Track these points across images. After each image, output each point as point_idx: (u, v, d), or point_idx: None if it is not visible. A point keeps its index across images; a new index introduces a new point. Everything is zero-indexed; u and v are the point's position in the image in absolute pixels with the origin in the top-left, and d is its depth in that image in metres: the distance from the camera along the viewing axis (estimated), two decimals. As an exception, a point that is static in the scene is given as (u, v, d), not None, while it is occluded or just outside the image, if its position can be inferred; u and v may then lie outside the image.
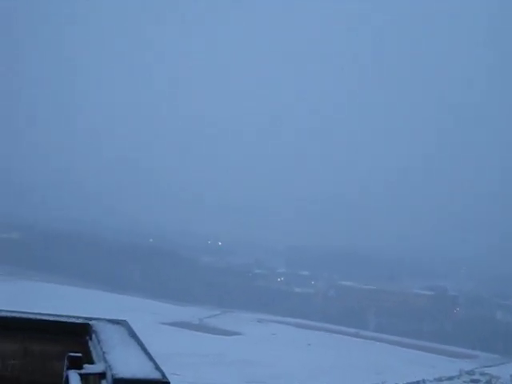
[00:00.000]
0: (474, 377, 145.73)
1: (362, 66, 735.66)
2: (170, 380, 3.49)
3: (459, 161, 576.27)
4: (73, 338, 5.26)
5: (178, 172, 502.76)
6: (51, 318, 5.45)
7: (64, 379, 3.93)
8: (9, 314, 5.42)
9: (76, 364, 3.89)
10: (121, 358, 3.77)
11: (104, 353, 3.96)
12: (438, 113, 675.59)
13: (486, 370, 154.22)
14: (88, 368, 3.87)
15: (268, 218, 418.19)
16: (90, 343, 4.94)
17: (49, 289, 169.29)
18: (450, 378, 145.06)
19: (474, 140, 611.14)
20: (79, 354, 4.00)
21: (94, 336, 4.86)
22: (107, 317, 5.66)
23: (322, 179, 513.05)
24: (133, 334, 4.78)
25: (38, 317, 5.44)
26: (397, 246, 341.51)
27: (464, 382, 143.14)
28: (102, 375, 3.70)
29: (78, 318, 5.53)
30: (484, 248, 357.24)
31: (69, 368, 3.86)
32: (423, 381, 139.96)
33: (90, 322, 5.27)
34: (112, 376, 3.40)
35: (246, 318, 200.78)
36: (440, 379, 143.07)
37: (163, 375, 3.54)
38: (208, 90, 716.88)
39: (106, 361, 3.76)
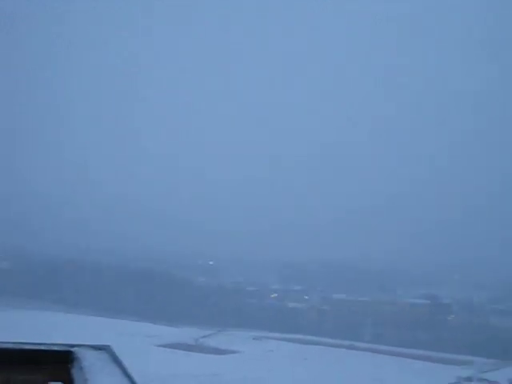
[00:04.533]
0: (472, 383, 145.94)
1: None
2: None
3: (453, 173, 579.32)
4: (55, 366, 5.14)
5: (161, 197, 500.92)
6: (33, 347, 5.36)
7: None
8: None
9: None
10: None
11: (86, 380, 3.92)
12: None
13: (484, 376, 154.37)
14: None
15: (259, 234, 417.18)
16: (72, 371, 4.84)
17: (41, 316, 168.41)
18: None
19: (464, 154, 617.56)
20: (59, 383, 4.04)
21: (76, 363, 4.81)
22: (103, 342, 5.61)
23: (312, 192, 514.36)
24: (116, 360, 4.72)
25: (20, 346, 5.33)
26: (389, 256, 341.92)
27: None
28: None
29: (61, 345, 5.44)
30: (475, 254, 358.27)
31: None
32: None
33: (73, 349, 5.22)
34: None
35: (241, 336, 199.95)
36: None
37: None
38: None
39: None
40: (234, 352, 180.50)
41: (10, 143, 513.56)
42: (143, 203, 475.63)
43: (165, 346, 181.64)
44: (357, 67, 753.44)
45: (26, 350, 5.36)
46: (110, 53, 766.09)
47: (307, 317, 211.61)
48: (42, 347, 5.41)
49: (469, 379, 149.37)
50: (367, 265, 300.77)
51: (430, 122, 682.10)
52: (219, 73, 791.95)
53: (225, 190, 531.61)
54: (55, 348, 5.41)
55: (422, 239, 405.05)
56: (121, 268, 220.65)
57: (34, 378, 5.17)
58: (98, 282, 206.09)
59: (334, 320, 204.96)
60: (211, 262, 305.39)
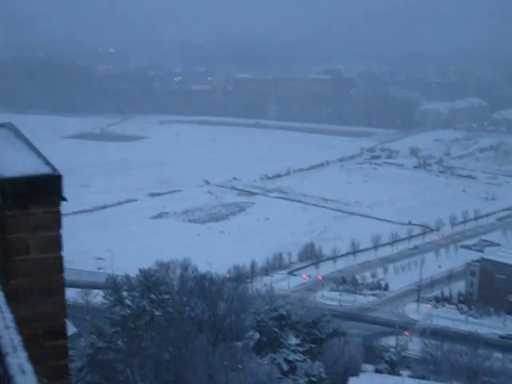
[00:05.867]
0: (375, 153, 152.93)
1: None
2: (60, 173, 3.30)
3: None
4: None
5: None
6: None
7: None
8: None
9: None
10: (7, 158, 3.56)
11: None
12: None
13: (386, 146, 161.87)
14: None
15: (156, 15, 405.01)
16: None
17: None
18: (352, 157, 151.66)
19: None
20: None
21: None
22: None
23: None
24: (19, 135, 4.35)
25: None
26: (290, 33, 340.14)
27: (365, 158, 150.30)
28: None
29: None
30: (374, 27, 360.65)
31: None
32: (327, 162, 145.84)
33: None
34: None
35: (148, 121, 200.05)
36: (343, 159, 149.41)
37: (54, 169, 3.35)
38: None
39: None
40: (141, 138, 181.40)
41: None
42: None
43: (71, 136, 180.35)
44: None
45: None
46: None
47: (212, 98, 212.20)
48: None
49: (372, 149, 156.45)
50: (268, 44, 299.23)
51: None
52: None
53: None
54: None
55: (321, 16, 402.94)
56: (19, 61, 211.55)
57: None
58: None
59: (239, 100, 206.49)
60: (112, 49, 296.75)
